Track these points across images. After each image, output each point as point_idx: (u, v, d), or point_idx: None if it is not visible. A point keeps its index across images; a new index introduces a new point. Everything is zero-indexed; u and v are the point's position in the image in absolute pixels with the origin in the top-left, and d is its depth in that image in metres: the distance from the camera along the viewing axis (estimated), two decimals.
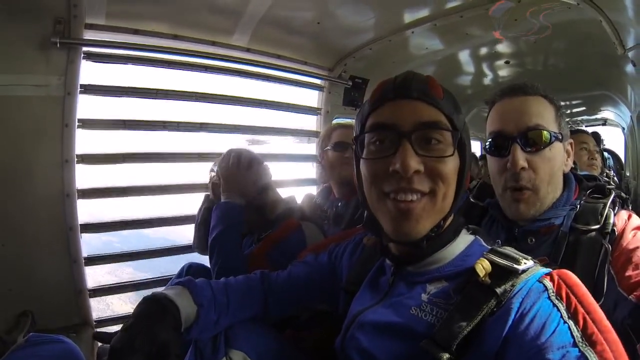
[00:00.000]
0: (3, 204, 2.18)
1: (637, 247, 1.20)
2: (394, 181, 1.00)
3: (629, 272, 1.16)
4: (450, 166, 1.03)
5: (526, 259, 0.97)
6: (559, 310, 0.83)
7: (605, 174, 3.46)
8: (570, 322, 0.80)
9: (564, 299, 0.85)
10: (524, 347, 0.80)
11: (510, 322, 0.85)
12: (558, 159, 1.39)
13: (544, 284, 0.89)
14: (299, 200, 2.60)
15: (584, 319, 0.81)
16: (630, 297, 1.10)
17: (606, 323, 0.81)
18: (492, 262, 0.96)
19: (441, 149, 1.02)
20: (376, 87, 1.12)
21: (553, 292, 0.87)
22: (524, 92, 1.42)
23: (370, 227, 1.17)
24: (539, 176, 1.35)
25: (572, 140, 1.50)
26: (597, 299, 1.17)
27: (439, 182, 1.01)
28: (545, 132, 1.35)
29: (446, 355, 0.87)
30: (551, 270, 0.94)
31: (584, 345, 0.76)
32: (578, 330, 0.79)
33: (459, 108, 1.09)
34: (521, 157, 1.34)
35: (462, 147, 1.07)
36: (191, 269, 2.24)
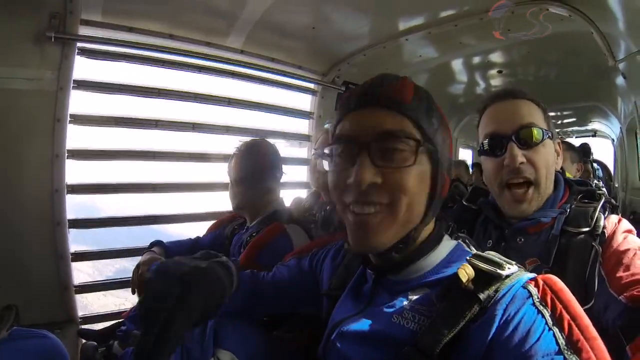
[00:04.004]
0: None
1: (628, 249, 1.21)
2: (351, 193, 0.98)
3: (619, 273, 1.16)
4: (413, 175, 0.98)
5: (510, 264, 0.94)
6: (543, 316, 0.82)
7: (594, 185, 3.48)
8: (555, 329, 0.79)
9: (549, 305, 0.84)
10: (509, 354, 0.79)
11: (494, 328, 0.83)
12: (551, 155, 1.44)
13: (528, 290, 0.88)
14: (288, 203, 2.60)
15: (570, 326, 0.80)
16: (620, 297, 1.11)
17: (592, 329, 0.80)
18: (475, 268, 0.93)
19: (402, 158, 0.97)
20: (346, 93, 1.09)
21: (538, 298, 0.85)
22: (513, 96, 1.47)
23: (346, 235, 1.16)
24: (539, 170, 1.39)
25: (559, 140, 1.54)
26: (588, 301, 1.17)
27: (399, 194, 0.97)
28: (537, 130, 1.39)
29: None
30: (536, 275, 0.92)
31: (569, 353, 0.75)
32: (563, 337, 0.78)
33: (432, 109, 1.04)
34: (519, 153, 1.38)
35: (434, 152, 1.02)
36: None
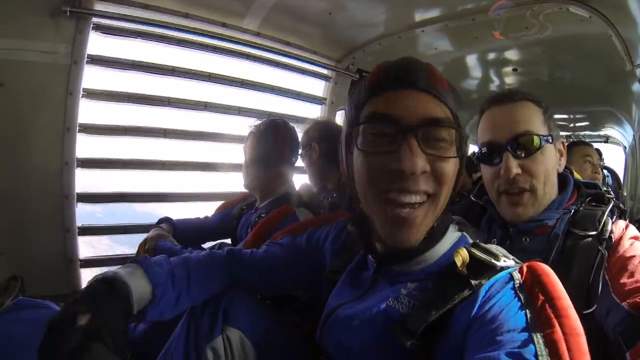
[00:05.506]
0: (0, 166, 2.18)
1: (634, 256, 1.20)
2: (396, 180, 0.93)
3: (623, 279, 1.16)
4: (452, 167, 0.99)
5: (507, 257, 0.95)
6: (520, 299, 0.83)
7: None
8: (527, 310, 0.80)
9: (529, 289, 0.85)
10: (481, 327, 0.81)
11: (476, 307, 0.85)
12: (550, 160, 1.42)
13: (511, 275, 0.90)
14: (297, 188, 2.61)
15: (542, 304, 0.80)
16: (623, 304, 1.11)
17: (567, 309, 0.80)
18: (471, 255, 0.94)
19: (446, 148, 0.96)
20: (374, 71, 1.05)
21: (519, 284, 0.87)
22: (510, 99, 1.44)
23: (359, 224, 1.15)
24: (537, 178, 1.38)
25: (563, 140, 1.53)
26: (591, 305, 1.19)
27: (443, 185, 0.97)
28: (535, 137, 1.37)
29: (411, 341, 0.87)
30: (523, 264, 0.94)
31: (535, 330, 0.76)
32: (534, 316, 0.79)
33: (461, 103, 1.03)
34: (514, 164, 1.36)
35: (463, 147, 1.02)
36: None
